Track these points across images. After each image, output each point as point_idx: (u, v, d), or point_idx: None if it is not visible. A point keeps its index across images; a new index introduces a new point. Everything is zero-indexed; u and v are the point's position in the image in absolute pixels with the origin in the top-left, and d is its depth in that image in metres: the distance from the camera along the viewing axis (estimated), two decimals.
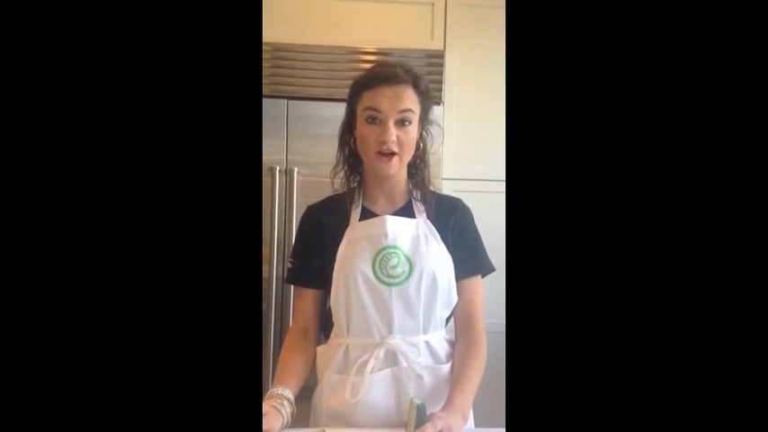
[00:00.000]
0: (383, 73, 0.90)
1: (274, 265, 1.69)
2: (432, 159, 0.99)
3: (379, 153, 0.88)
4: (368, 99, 0.89)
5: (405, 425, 0.74)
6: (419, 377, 0.90)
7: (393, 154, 0.88)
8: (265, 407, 0.79)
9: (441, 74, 1.77)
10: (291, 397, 0.84)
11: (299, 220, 1.02)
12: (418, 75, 0.92)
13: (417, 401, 0.73)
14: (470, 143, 1.82)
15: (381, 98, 0.87)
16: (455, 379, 0.88)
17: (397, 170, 0.92)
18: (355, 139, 0.94)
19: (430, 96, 0.94)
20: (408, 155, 0.92)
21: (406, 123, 0.88)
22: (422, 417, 0.72)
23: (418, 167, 0.97)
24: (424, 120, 0.94)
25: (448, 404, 0.82)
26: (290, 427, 0.84)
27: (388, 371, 0.90)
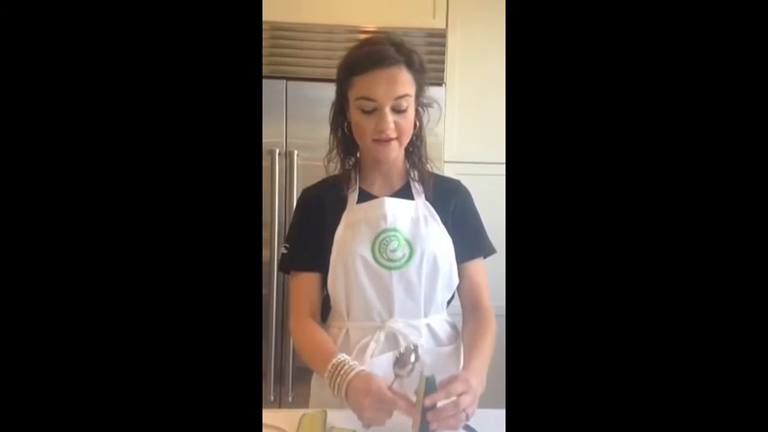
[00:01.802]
0: (373, 54, 0.83)
1: (275, 249, 1.68)
2: (433, 142, 0.97)
3: (377, 140, 0.86)
4: (360, 86, 0.83)
5: (414, 394, 0.74)
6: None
7: (392, 139, 0.85)
8: (356, 380, 0.74)
9: (443, 54, 1.73)
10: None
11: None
12: (411, 50, 0.85)
13: (427, 374, 0.72)
14: (473, 125, 1.79)
15: (375, 85, 0.82)
16: (469, 349, 0.86)
17: (397, 153, 0.89)
18: (349, 123, 0.90)
19: (424, 71, 0.88)
20: (407, 137, 0.89)
21: (404, 108, 0.84)
22: (431, 388, 0.71)
23: (415, 145, 0.93)
24: (420, 96, 0.89)
25: (466, 368, 0.80)
26: (291, 407, 0.83)
27: (389, 354, 0.89)
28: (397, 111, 0.84)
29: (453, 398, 0.71)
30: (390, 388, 0.74)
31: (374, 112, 0.84)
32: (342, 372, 0.78)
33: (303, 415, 0.76)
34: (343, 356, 0.81)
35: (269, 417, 0.78)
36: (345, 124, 0.92)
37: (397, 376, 0.75)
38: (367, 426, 0.73)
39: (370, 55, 0.83)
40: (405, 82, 0.84)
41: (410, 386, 0.82)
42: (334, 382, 0.79)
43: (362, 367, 0.80)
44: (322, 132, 0.97)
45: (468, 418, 0.72)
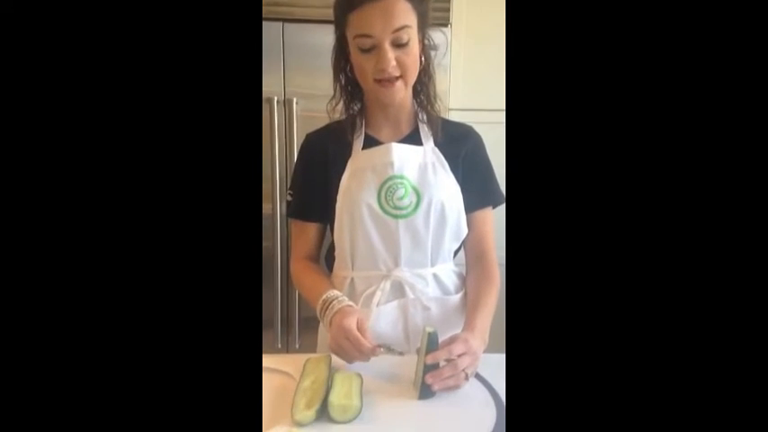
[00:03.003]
0: None
1: (277, 202, 1.66)
2: (437, 87, 0.91)
3: (380, 80, 0.80)
4: (356, 23, 0.77)
5: (417, 352, 0.74)
6: (426, 308, 0.89)
7: (396, 78, 0.79)
8: (338, 315, 0.77)
9: None
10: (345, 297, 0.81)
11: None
12: None
13: (429, 329, 0.73)
14: (480, 71, 1.71)
15: (370, 19, 0.75)
16: (471, 305, 0.86)
17: (403, 94, 0.84)
18: (351, 66, 0.84)
19: None
20: (413, 75, 0.82)
21: (405, 41, 0.77)
22: (434, 344, 0.72)
23: (423, 83, 0.87)
24: (424, 27, 0.82)
25: (467, 327, 0.80)
26: (299, 352, 0.84)
27: (395, 303, 0.89)
28: (398, 45, 0.77)
29: (453, 358, 0.71)
30: (361, 328, 0.74)
31: (373, 49, 0.77)
32: (330, 305, 0.79)
33: (308, 359, 0.77)
34: (334, 292, 0.81)
35: (274, 361, 0.79)
36: (348, 67, 0.86)
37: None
38: (350, 362, 0.76)
39: None
40: (402, 11, 0.76)
41: (414, 341, 0.83)
42: (323, 316, 0.80)
43: (350, 303, 0.80)
44: (323, 81, 0.92)
45: (467, 378, 0.72)
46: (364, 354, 0.74)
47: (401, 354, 0.75)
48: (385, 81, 0.79)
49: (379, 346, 0.74)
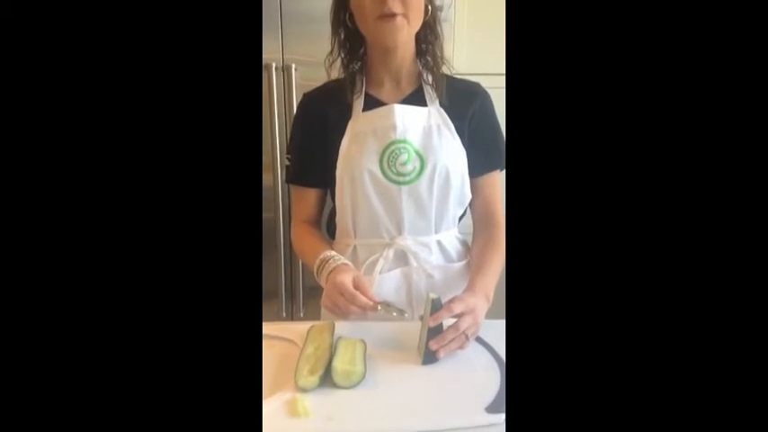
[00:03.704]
0: None
1: (278, 172, 1.63)
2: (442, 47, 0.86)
3: (381, 17, 0.75)
4: None
5: (420, 319, 0.74)
6: (430, 276, 0.88)
7: (397, 15, 0.75)
8: (333, 272, 0.75)
9: None
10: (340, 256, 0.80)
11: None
12: None
13: (433, 296, 0.72)
14: (485, 33, 1.65)
15: None
16: (475, 267, 0.84)
17: (405, 36, 0.79)
18: (351, 15, 0.80)
19: None
20: (416, 17, 0.78)
21: None
22: (437, 310, 0.71)
23: (428, 39, 0.84)
24: None
25: (468, 288, 0.78)
26: (303, 321, 0.84)
27: (397, 270, 0.88)
28: None
29: (454, 320, 0.70)
30: (357, 281, 0.73)
31: None
32: (326, 264, 0.78)
33: (311, 327, 0.77)
34: (330, 252, 0.80)
35: (278, 329, 0.79)
36: (347, 17, 0.82)
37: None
38: (345, 319, 0.74)
39: None
40: None
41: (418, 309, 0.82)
42: (320, 276, 0.80)
43: (346, 262, 0.79)
44: (322, 48, 0.88)
45: (468, 339, 0.72)
46: (360, 309, 0.72)
47: (402, 312, 0.74)
48: (387, 16, 0.75)
49: (379, 303, 0.73)
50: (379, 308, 0.73)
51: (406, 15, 0.76)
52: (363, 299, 0.72)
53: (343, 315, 0.74)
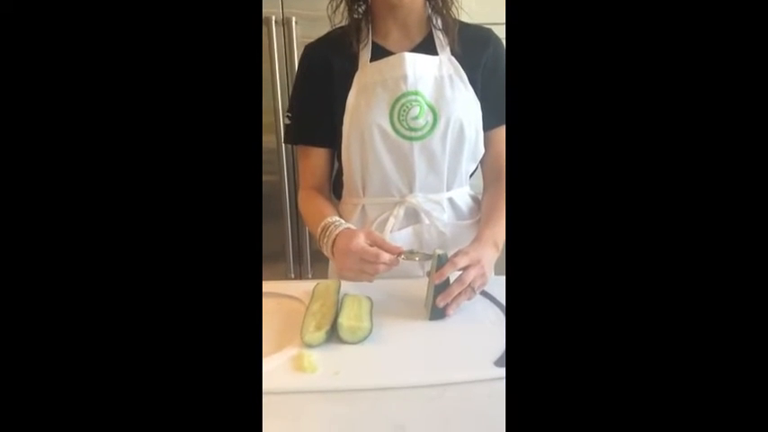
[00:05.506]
0: None
1: (280, 133, 1.60)
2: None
3: None
4: None
5: (427, 275, 0.73)
6: (441, 234, 0.86)
7: None
8: (340, 239, 0.72)
9: None
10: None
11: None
12: None
13: (439, 251, 0.70)
14: None
15: None
16: (485, 218, 0.82)
17: None
18: None
19: None
20: None
21: None
22: (442, 266, 0.70)
23: None
24: None
25: (475, 240, 0.76)
26: (310, 279, 0.84)
27: (409, 229, 0.86)
28: None
29: (459, 272, 0.69)
30: (372, 238, 0.70)
31: None
32: (328, 232, 0.76)
33: (317, 284, 0.76)
34: (331, 218, 0.78)
35: (284, 287, 0.79)
36: None
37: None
38: (371, 280, 0.71)
39: None
40: None
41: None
42: (323, 243, 0.77)
43: (348, 225, 0.77)
44: (323, 1, 0.82)
45: (475, 291, 0.70)
46: (388, 265, 0.69)
47: (426, 256, 0.71)
48: None
49: (403, 252, 0.70)
50: (403, 257, 0.70)
51: None
52: (387, 254, 0.69)
53: (370, 277, 0.71)
